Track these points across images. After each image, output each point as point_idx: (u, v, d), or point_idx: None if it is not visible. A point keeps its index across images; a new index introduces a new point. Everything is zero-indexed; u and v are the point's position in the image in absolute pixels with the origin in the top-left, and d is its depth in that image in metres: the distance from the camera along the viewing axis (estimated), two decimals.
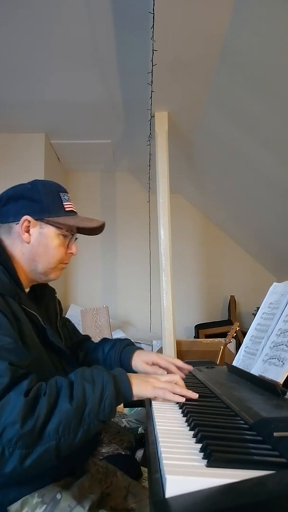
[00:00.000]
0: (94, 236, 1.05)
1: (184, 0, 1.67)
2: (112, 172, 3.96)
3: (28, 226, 0.92)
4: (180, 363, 0.98)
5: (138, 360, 0.99)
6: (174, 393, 0.79)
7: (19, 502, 0.78)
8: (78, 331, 1.19)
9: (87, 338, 1.20)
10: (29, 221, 0.91)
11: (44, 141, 3.12)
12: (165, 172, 2.58)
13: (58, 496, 0.80)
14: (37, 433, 0.65)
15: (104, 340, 1.13)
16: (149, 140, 2.80)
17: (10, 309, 0.80)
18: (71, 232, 0.96)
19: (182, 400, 0.78)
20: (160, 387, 0.80)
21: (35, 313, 0.86)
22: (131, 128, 3.00)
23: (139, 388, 0.79)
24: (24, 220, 0.91)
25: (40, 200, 0.92)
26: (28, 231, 0.92)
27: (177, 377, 0.85)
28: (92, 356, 1.10)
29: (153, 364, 0.98)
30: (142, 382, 0.80)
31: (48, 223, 0.93)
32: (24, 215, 0.91)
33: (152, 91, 2.27)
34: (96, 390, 0.72)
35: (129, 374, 0.81)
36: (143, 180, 3.56)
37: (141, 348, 1.06)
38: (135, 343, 1.13)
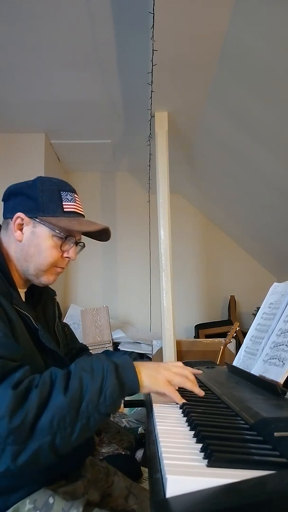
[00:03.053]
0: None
1: (184, 0, 1.67)
2: (112, 172, 3.96)
3: (21, 224, 0.88)
4: (191, 370, 0.97)
5: None
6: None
7: (11, 510, 0.75)
8: (77, 339, 1.16)
9: (85, 348, 1.16)
10: (22, 219, 0.87)
11: (44, 141, 3.12)
12: (165, 172, 2.58)
13: (51, 500, 0.77)
14: (28, 428, 0.61)
15: (108, 353, 1.09)
16: (149, 140, 2.80)
17: (1, 308, 0.77)
18: (67, 234, 0.90)
19: (201, 393, 0.78)
20: (174, 380, 0.77)
21: (27, 314, 0.83)
22: (131, 128, 3.00)
23: (154, 381, 0.74)
24: (17, 217, 0.87)
25: (35, 197, 0.87)
26: (21, 229, 0.88)
27: (187, 372, 0.82)
28: None
29: None
30: (155, 373, 0.75)
31: (41, 222, 0.87)
32: (19, 211, 0.87)
33: (152, 91, 2.27)
34: (96, 380, 0.68)
35: (137, 363, 0.76)
36: (143, 180, 3.55)
37: (150, 361, 1.03)
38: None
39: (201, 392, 0.79)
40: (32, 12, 1.86)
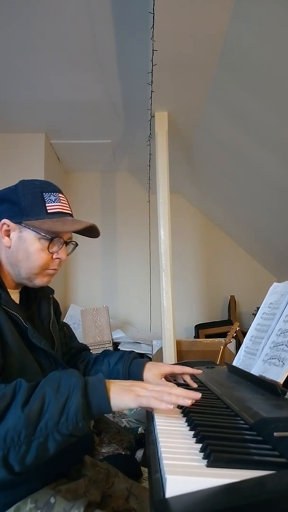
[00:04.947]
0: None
1: (184, 0, 1.67)
2: (112, 172, 3.97)
3: (8, 230, 0.88)
4: (190, 370, 0.96)
5: (150, 374, 0.93)
6: (161, 401, 0.66)
7: (12, 509, 0.76)
8: (76, 339, 1.15)
9: (85, 348, 1.16)
10: (8, 225, 0.87)
11: (44, 141, 3.12)
12: (165, 172, 2.58)
13: (52, 500, 0.77)
14: None
15: (108, 353, 1.08)
16: (149, 140, 2.80)
17: None
18: (53, 235, 0.89)
19: (170, 407, 0.65)
20: (144, 395, 0.67)
21: (16, 313, 0.83)
22: (131, 128, 3.00)
23: (120, 397, 0.67)
24: (3, 224, 0.87)
25: (18, 202, 0.87)
26: (8, 235, 0.88)
27: (168, 388, 0.71)
28: (95, 368, 1.05)
29: (168, 374, 0.94)
30: (124, 391, 0.68)
31: (26, 226, 0.87)
32: (4, 218, 0.87)
33: (152, 91, 2.27)
34: (59, 397, 0.63)
35: (110, 381, 0.70)
36: (143, 180, 3.56)
37: (150, 360, 1.02)
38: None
39: (185, 403, 0.67)
40: (32, 12, 1.86)
